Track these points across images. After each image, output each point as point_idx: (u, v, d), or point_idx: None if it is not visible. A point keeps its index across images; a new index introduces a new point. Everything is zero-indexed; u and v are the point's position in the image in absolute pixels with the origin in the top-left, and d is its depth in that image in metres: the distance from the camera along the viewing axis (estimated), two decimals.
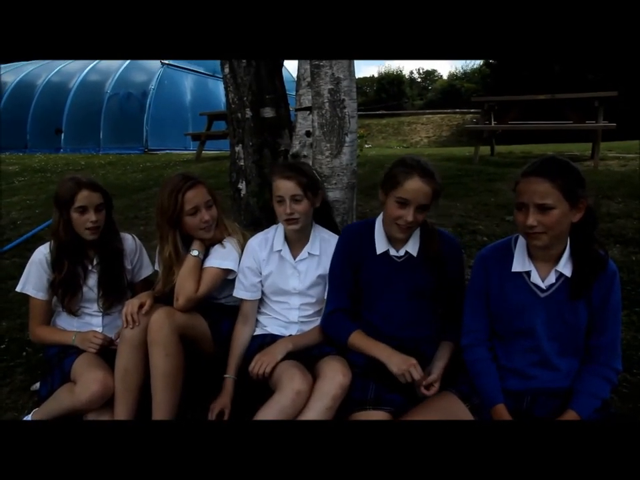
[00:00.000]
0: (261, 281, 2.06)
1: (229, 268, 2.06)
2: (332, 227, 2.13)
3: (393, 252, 1.87)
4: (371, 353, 1.79)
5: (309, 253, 2.02)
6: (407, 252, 1.86)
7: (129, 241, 2.29)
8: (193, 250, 2.06)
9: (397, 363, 1.70)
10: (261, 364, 1.81)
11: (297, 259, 2.03)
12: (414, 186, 1.70)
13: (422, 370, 1.70)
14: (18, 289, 2.14)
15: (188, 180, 2.03)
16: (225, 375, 1.98)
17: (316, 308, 2.05)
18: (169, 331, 1.83)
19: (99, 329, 2.16)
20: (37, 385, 2.23)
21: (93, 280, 2.16)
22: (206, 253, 2.11)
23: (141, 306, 1.92)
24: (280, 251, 2.02)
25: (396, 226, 1.76)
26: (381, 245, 1.88)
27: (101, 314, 2.19)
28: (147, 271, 2.34)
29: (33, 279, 2.11)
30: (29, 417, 2.03)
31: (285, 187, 1.89)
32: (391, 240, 1.87)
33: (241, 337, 2.04)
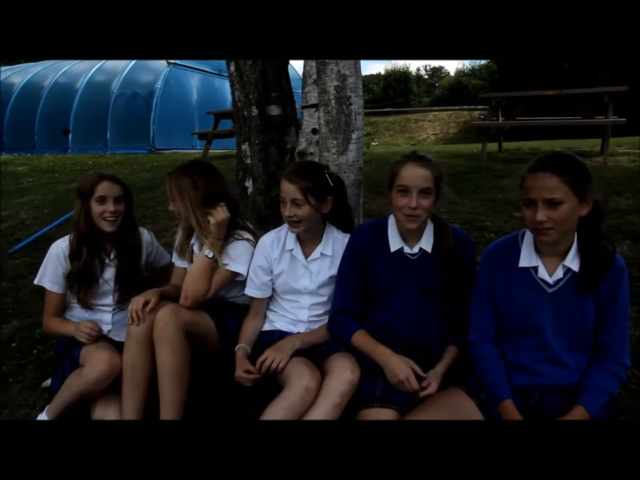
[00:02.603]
0: (272, 280, 2.06)
1: (238, 272, 2.06)
2: (349, 229, 2.10)
3: (407, 249, 1.86)
4: (370, 355, 1.79)
5: (321, 253, 2.01)
6: (421, 249, 1.85)
7: (146, 234, 2.39)
8: (208, 251, 2.04)
9: (392, 372, 1.71)
10: (273, 359, 1.80)
11: (309, 258, 2.02)
12: (410, 172, 1.73)
13: (421, 373, 1.72)
14: (35, 281, 2.19)
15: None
16: (238, 346, 1.97)
17: (326, 307, 2.05)
18: (174, 327, 1.84)
19: (108, 326, 2.20)
20: (48, 381, 2.26)
21: (109, 273, 2.21)
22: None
23: (146, 303, 1.93)
24: (292, 250, 2.02)
25: (403, 216, 1.76)
26: (394, 243, 1.87)
27: (111, 311, 2.22)
28: (165, 259, 2.47)
29: (50, 272, 2.15)
30: (43, 415, 2.05)
31: (287, 189, 1.89)
32: (404, 237, 1.87)
33: (251, 326, 2.06)
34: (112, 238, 2.21)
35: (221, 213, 2.05)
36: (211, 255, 2.04)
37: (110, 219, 2.13)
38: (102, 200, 2.12)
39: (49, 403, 2.07)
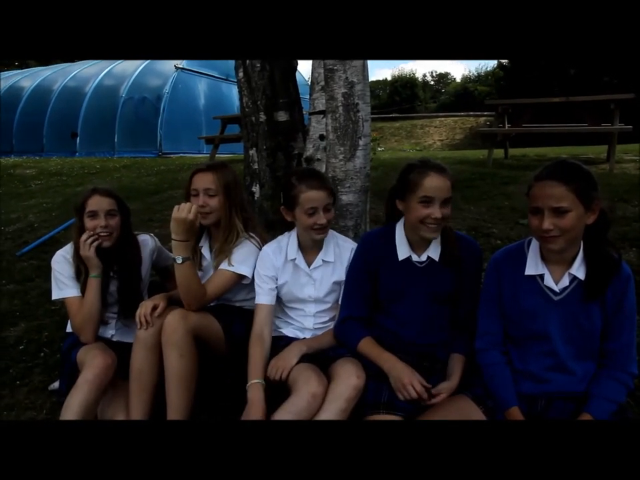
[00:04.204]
0: (277, 287, 2.04)
1: (243, 274, 2.06)
2: None
3: (415, 257, 1.86)
4: (375, 362, 1.79)
5: (323, 260, 2.01)
6: (428, 257, 1.85)
7: (149, 241, 2.35)
8: (177, 257, 1.93)
9: (396, 377, 1.70)
10: (276, 369, 1.82)
11: (312, 266, 2.02)
12: (434, 182, 1.71)
13: (425, 384, 1.70)
14: (55, 297, 2.15)
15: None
16: (252, 381, 1.81)
17: (331, 314, 2.05)
18: (183, 332, 1.85)
19: (112, 332, 2.22)
20: (55, 384, 2.28)
21: (113, 286, 2.20)
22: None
23: (154, 308, 1.94)
24: (294, 259, 2.02)
25: (424, 226, 1.74)
26: (402, 252, 1.87)
27: (115, 318, 2.23)
28: (169, 260, 2.41)
29: (65, 280, 2.12)
30: None
31: (319, 197, 1.88)
32: (412, 245, 1.87)
33: (259, 354, 1.90)
34: (111, 253, 2.16)
35: (180, 212, 1.90)
36: (179, 261, 1.92)
37: (102, 234, 2.08)
38: (93, 215, 2.09)
39: (56, 407, 2.08)
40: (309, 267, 2.02)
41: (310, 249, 2.03)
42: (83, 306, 2.08)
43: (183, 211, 1.90)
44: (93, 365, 1.90)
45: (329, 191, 1.92)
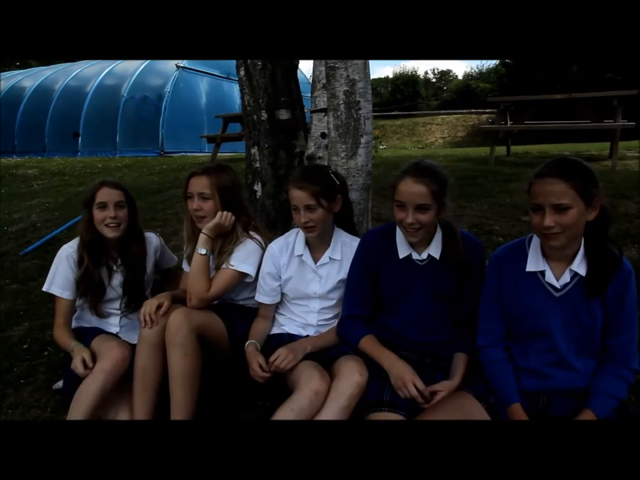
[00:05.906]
0: (280, 285, 2.06)
1: (245, 272, 2.07)
2: (350, 228, 2.13)
3: (415, 256, 1.86)
4: (376, 359, 1.80)
5: (330, 258, 2.02)
6: (429, 255, 1.85)
7: (154, 239, 2.38)
8: (200, 248, 2.07)
9: (395, 376, 1.71)
10: (284, 358, 1.81)
11: (318, 263, 2.02)
12: (405, 187, 1.72)
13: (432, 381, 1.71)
14: (44, 288, 2.17)
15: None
16: (248, 342, 1.96)
17: (335, 312, 2.06)
18: (186, 331, 1.86)
19: (116, 329, 2.22)
20: (59, 383, 2.28)
21: (116, 280, 2.21)
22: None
23: (159, 306, 1.95)
24: (301, 255, 2.02)
25: (403, 228, 1.77)
26: (403, 249, 1.87)
27: (119, 314, 2.23)
28: (173, 261, 2.50)
29: (60, 277, 2.14)
30: None
31: (298, 196, 1.89)
32: (412, 244, 1.87)
33: (260, 327, 2.07)
34: (117, 245, 2.19)
35: (224, 220, 2.09)
36: (203, 252, 2.05)
37: (111, 224, 2.11)
38: (102, 206, 2.11)
39: (60, 406, 2.09)
40: (316, 264, 2.03)
41: (316, 245, 2.04)
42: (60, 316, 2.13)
43: (226, 220, 2.10)
44: (109, 355, 1.92)
45: (313, 192, 1.87)
